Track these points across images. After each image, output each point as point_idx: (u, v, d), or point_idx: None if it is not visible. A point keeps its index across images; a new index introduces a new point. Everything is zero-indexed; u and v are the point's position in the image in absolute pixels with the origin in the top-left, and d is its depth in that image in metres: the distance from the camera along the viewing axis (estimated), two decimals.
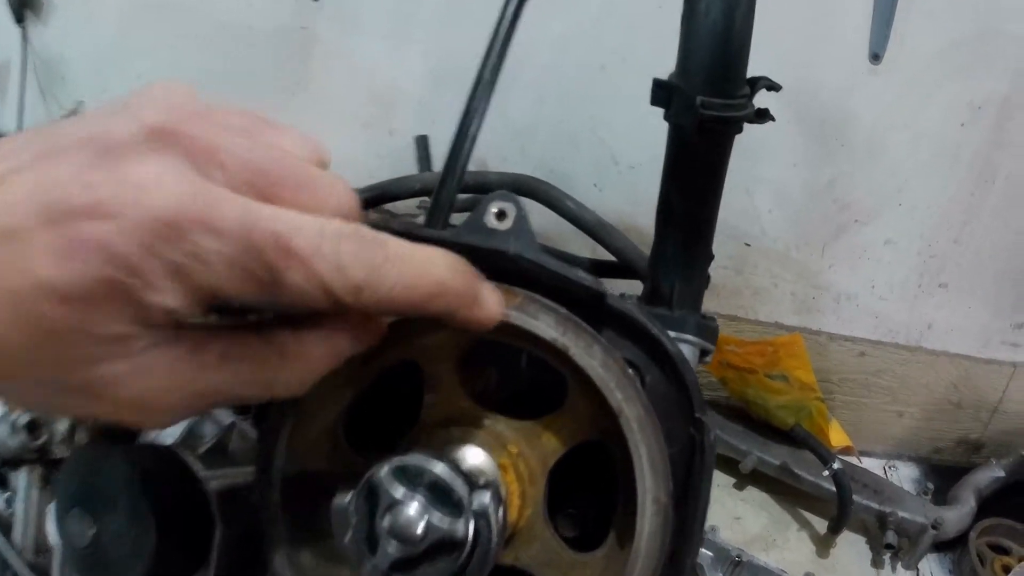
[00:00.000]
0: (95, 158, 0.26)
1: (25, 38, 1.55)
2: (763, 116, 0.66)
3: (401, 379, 0.46)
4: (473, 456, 0.42)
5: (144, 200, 0.25)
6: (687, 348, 0.69)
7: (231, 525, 0.53)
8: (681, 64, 0.64)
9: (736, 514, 1.44)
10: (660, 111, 0.66)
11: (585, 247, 1.19)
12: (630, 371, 0.41)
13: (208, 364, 0.29)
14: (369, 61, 1.44)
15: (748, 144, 1.34)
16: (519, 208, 0.44)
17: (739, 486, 1.49)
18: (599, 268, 1.13)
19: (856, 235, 1.45)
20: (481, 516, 0.36)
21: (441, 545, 0.35)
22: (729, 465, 1.47)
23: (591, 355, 0.40)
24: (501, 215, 0.43)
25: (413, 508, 0.35)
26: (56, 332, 0.25)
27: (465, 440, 0.42)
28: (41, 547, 0.74)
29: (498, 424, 0.44)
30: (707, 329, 0.70)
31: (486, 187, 1.12)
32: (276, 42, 1.46)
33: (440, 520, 0.35)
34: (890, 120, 1.36)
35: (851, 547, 1.43)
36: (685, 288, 0.70)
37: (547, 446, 0.44)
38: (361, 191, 1.19)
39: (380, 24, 1.40)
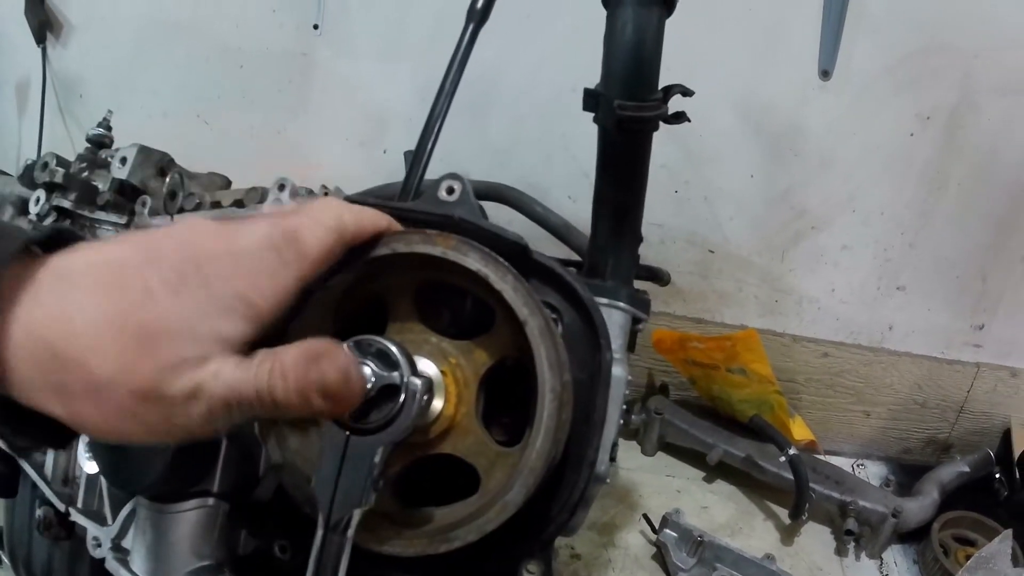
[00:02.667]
0: None
1: (45, 58, 1.69)
2: (679, 118, 0.76)
3: (370, 318, 0.58)
4: (421, 363, 0.54)
5: None
6: (620, 315, 0.79)
7: (235, 442, 0.64)
8: (603, 75, 0.75)
9: (704, 504, 1.52)
10: None
11: (560, 253, 1.30)
12: (535, 295, 0.53)
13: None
14: (364, 84, 1.58)
15: (706, 156, 1.48)
16: (464, 184, 0.59)
17: (708, 479, 1.58)
18: (565, 266, 1.24)
19: (813, 241, 1.55)
20: (412, 367, 0.49)
21: (384, 392, 0.48)
22: (698, 459, 1.57)
23: (504, 281, 0.53)
24: (450, 190, 0.59)
25: (366, 369, 0.47)
26: None
27: (415, 351, 0.54)
28: (68, 478, 0.85)
29: (442, 343, 0.57)
30: (639, 300, 0.81)
31: None
32: (280, 66, 1.59)
33: (382, 370, 0.48)
34: (840, 132, 1.46)
35: (815, 536, 1.50)
36: (617, 264, 0.81)
37: (478, 359, 0.57)
38: (352, 196, 1.31)
39: (372, 49, 1.54)
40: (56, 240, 0.43)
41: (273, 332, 0.54)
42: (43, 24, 1.68)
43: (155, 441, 0.42)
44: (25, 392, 0.39)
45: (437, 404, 0.54)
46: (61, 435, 0.43)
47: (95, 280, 0.40)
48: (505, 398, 0.61)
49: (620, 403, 0.72)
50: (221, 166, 1.64)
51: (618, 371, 0.71)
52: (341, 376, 0.43)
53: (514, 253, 0.57)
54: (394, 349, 0.48)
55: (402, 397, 0.48)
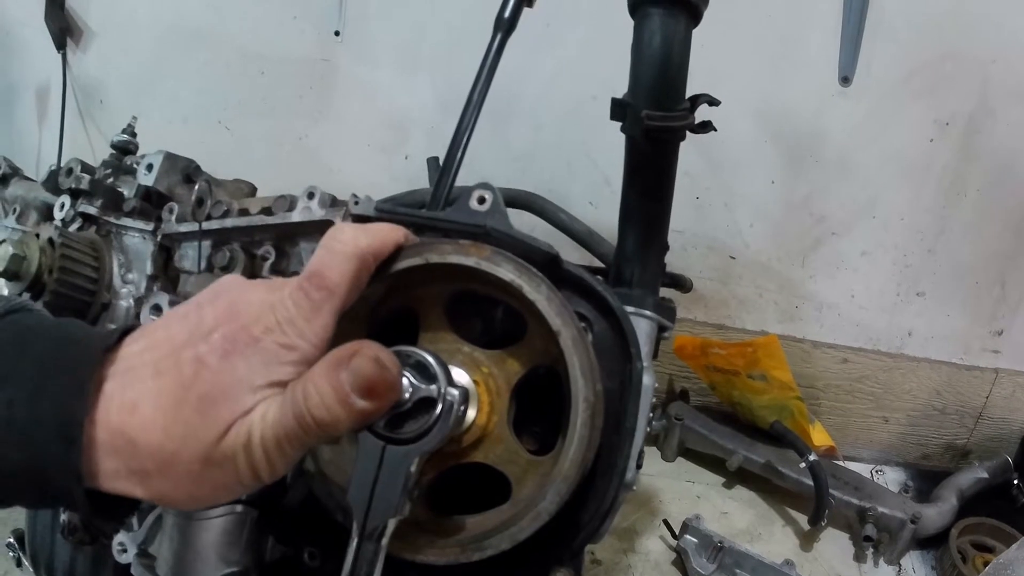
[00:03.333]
0: None
1: (65, 64, 1.70)
2: (706, 127, 0.76)
3: (401, 328, 0.58)
4: (455, 373, 0.54)
5: None
6: (646, 323, 0.79)
7: None
8: (631, 85, 0.75)
9: (724, 510, 1.52)
10: None
11: (584, 259, 1.30)
12: (568, 306, 0.53)
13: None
14: (385, 90, 1.58)
15: (727, 163, 1.48)
16: (495, 194, 0.59)
17: (727, 485, 1.58)
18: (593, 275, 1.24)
19: (833, 247, 1.55)
20: (449, 379, 0.49)
21: (421, 403, 0.47)
22: (718, 464, 1.57)
23: (539, 291, 0.53)
24: (481, 200, 0.59)
25: (403, 380, 0.47)
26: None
27: (448, 361, 0.54)
28: None
29: (475, 352, 0.57)
30: (665, 308, 0.81)
31: None
32: (300, 72, 1.60)
33: (420, 382, 0.48)
34: (860, 138, 1.46)
35: (834, 542, 1.50)
36: (643, 273, 0.81)
37: (511, 369, 0.57)
38: (381, 206, 1.31)
39: (393, 56, 1.55)
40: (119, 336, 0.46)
41: None
42: (63, 30, 1.69)
43: (233, 498, 0.45)
44: (109, 482, 0.42)
45: (470, 414, 0.54)
46: (128, 507, 0.46)
47: (152, 367, 0.43)
48: (536, 407, 0.61)
49: (648, 411, 0.72)
50: (242, 172, 1.65)
51: (647, 379, 0.71)
52: (374, 365, 0.43)
53: (546, 263, 0.57)
54: (432, 361, 0.48)
55: (439, 408, 0.48)
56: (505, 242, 0.56)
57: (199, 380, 0.42)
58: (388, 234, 0.53)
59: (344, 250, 0.48)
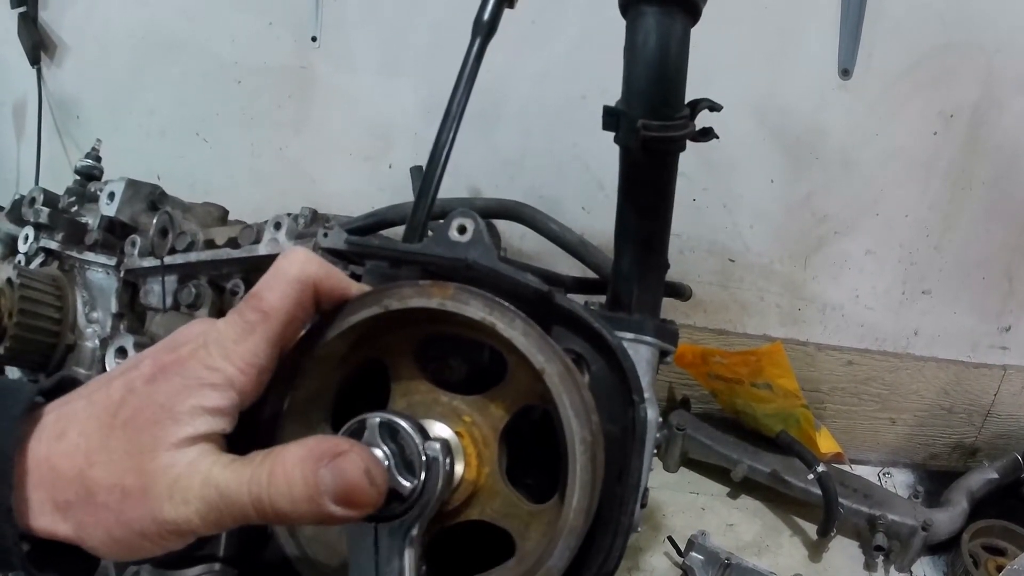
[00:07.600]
0: None
1: (40, 80, 1.65)
2: (707, 134, 0.71)
3: (372, 380, 0.53)
4: (435, 428, 0.49)
5: None
6: (647, 350, 0.74)
7: None
8: (624, 91, 0.70)
9: (729, 521, 1.48)
10: None
11: (576, 268, 1.25)
12: (549, 339, 0.48)
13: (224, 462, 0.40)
14: (366, 97, 1.53)
15: (725, 163, 1.42)
16: (478, 223, 0.53)
17: (733, 495, 1.53)
18: (584, 285, 1.19)
19: (837, 246, 1.50)
20: (432, 463, 0.44)
21: (390, 494, 0.43)
22: (722, 474, 1.52)
23: (513, 327, 0.47)
24: (462, 229, 0.53)
25: (378, 451, 0.43)
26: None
27: (427, 414, 0.50)
28: None
29: (453, 400, 0.51)
30: (666, 332, 0.76)
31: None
32: (279, 81, 1.55)
33: (398, 472, 0.43)
34: (862, 133, 1.41)
35: (843, 551, 1.46)
36: (642, 295, 0.75)
37: (495, 413, 0.51)
38: (361, 219, 1.26)
39: (373, 61, 1.49)
40: (64, 386, 0.45)
41: (270, 412, 0.49)
42: (36, 45, 1.65)
43: (159, 553, 0.41)
44: (38, 519, 0.40)
45: (458, 469, 0.49)
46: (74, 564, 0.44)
47: (86, 397, 0.42)
48: (528, 452, 0.55)
49: (652, 447, 0.67)
50: (222, 186, 1.60)
51: (650, 414, 0.66)
52: (363, 477, 0.39)
53: (536, 299, 0.51)
54: (418, 446, 0.44)
55: (422, 475, 0.44)
56: (489, 278, 0.50)
57: (124, 406, 0.41)
58: (342, 277, 0.48)
59: (289, 272, 0.44)
